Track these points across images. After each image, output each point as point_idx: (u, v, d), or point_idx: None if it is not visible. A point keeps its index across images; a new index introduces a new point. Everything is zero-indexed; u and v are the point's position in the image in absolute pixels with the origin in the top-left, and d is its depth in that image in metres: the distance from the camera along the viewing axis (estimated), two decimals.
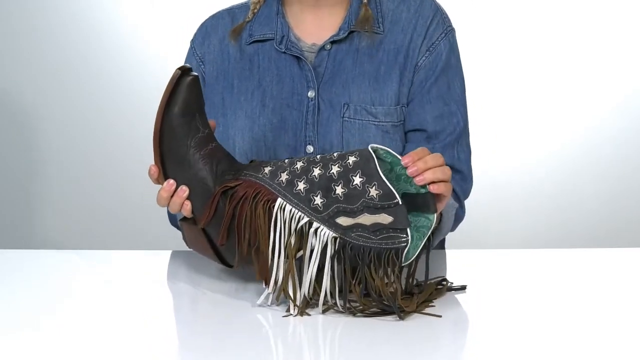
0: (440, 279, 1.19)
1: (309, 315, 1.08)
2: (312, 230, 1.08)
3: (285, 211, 1.09)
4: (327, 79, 1.37)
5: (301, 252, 1.09)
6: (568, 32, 2.86)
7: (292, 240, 1.08)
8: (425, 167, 1.09)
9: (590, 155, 2.90)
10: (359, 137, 1.35)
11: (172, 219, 1.40)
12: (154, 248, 1.40)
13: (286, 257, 1.08)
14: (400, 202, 1.08)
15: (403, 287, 1.11)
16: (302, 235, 1.09)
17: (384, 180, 1.08)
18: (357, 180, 1.08)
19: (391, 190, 1.08)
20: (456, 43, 1.43)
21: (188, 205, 1.13)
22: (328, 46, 1.38)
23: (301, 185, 1.10)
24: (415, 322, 1.06)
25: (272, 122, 1.36)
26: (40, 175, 2.90)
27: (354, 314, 1.08)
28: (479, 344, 1.00)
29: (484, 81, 2.84)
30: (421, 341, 1.01)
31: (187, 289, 1.21)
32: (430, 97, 1.38)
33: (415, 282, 1.15)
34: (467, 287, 1.20)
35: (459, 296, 1.17)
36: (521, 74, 2.87)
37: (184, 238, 1.21)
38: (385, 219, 1.08)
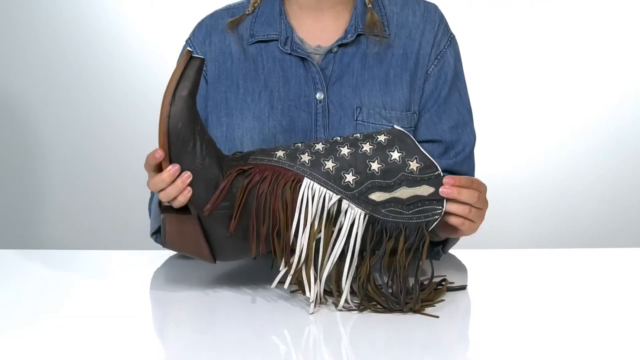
0: (440, 279, 1.19)
1: (326, 301, 1.08)
2: (342, 208, 1.10)
3: (313, 190, 1.09)
4: (335, 81, 1.37)
5: (320, 234, 1.09)
6: (566, 33, 2.87)
7: (324, 219, 1.09)
8: (457, 196, 1.12)
9: (590, 155, 2.90)
10: None
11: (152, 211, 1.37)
12: (154, 248, 1.40)
13: (310, 237, 1.09)
14: (442, 174, 1.11)
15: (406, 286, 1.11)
16: (329, 214, 1.10)
17: (424, 153, 1.12)
18: (396, 155, 1.11)
19: (432, 161, 1.12)
20: (459, 50, 1.44)
21: (189, 191, 1.10)
22: (335, 49, 1.37)
23: (329, 164, 1.11)
24: (415, 322, 1.06)
25: (281, 124, 1.36)
26: (40, 176, 2.90)
27: (358, 307, 1.08)
28: (478, 344, 1.01)
29: (483, 82, 2.84)
30: (421, 341, 1.02)
31: (188, 289, 1.21)
32: (446, 108, 1.40)
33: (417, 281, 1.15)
34: (467, 287, 1.20)
35: (459, 296, 1.17)
36: (521, 74, 2.87)
37: (163, 235, 1.15)
38: (425, 190, 1.11)
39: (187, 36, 1.45)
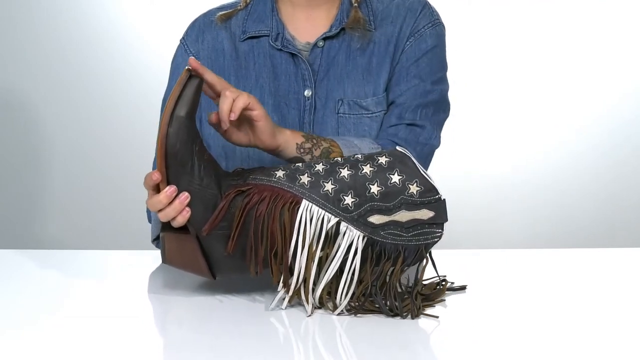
0: (440, 279, 1.19)
1: (319, 308, 1.08)
2: (340, 230, 1.09)
3: (311, 212, 1.09)
4: (323, 77, 1.38)
5: (320, 254, 1.09)
6: (566, 32, 2.87)
7: (321, 241, 1.08)
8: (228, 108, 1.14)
9: (590, 155, 2.90)
10: (354, 131, 1.37)
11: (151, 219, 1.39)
12: (153, 248, 1.40)
13: (308, 259, 1.08)
14: (443, 197, 1.10)
15: (404, 287, 1.11)
16: (328, 236, 1.09)
17: (425, 177, 1.11)
18: (396, 178, 1.10)
19: (433, 185, 1.11)
20: (444, 37, 1.44)
21: (188, 212, 1.10)
22: (321, 43, 1.39)
23: (329, 186, 1.10)
24: (415, 322, 1.06)
25: (273, 120, 1.36)
26: (40, 176, 2.90)
27: (354, 314, 1.08)
28: (478, 344, 1.01)
29: (483, 81, 2.84)
30: (421, 341, 1.02)
31: (187, 288, 1.21)
32: (408, 76, 1.39)
33: (415, 282, 1.15)
34: (467, 287, 1.20)
35: (459, 296, 1.17)
36: (520, 74, 2.87)
37: (163, 252, 1.16)
38: (425, 214, 1.10)
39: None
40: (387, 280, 1.10)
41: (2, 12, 2.84)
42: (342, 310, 1.09)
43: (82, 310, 1.13)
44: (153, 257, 1.41)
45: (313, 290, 1.10)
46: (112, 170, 2.87)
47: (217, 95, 1.16)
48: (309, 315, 1.08)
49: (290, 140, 1.25)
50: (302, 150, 1.25)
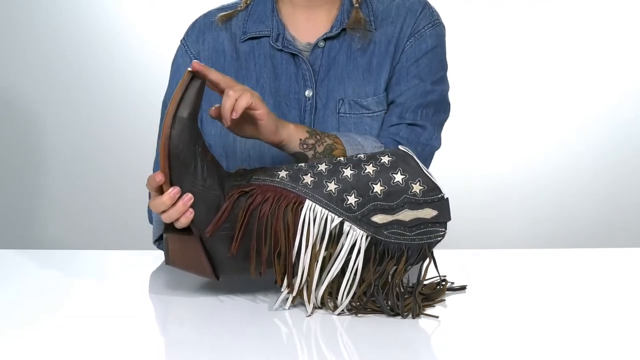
0: (440, 279, 1.19)
1: (320, 308, 1.08)
2: (343, 229, 1.09)
3: (315, 212, 1.09)
4: (323, 77, 1.39)
5: (324, 254, 1.09)
6: (566, 32, 2.87)
7: (325, 241, 1.08)
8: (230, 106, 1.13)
9: (590, 155, 2.90)
10: (355, 130, 1.37)
11: (151, 219, 1.40)
12: (153, 248, 1.40)
13: (311, 259, 1.08)
14: (446, 196, 1.10)
15: (405, 288, 1.12)
16: (331, 236, 1.09)
17: (428, 176, 1.11)
18: (399, 177, 1.11)
19: (436, 184, 1.11)
20: (444, 37, 1.45)
21: (191, 213, 1.10)
22: (321, 43, 1.40)
23: (332, 186, 1.11)
24: (415, 322, 1.06)
25: None
26: (40, 176, 2.90)
27: (355, 314, 1.08)
28: (478, 344, 1.01)
29: (483, 81, 2.84)
30: (422, 341, 1.02)
31: (188, 288, 1.21)
32: (409, 76, 1.40)
33: (415, 282, 1.15)
34: (467, 287, 1.20)
35: (459, 296, 1.18)
36: (520, 74, 2.87)
37: (166, 253, 1.15)
38: (428, 213, 1.10)
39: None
40: (390, 279, 1.10)
41: (2, 12, 2.84)
42: (342, 310, 1.09)
43: (82, 310, 1.13)
44: (153, 257, 1.41)
45: (315, 290, 1.10)
46: (112, 170, 2.87)
47: (222, 93, 1.17)
48: (309, 315, 1.08)
49: (293, 136, 1.25)
50: (305, 146, 1.26)
